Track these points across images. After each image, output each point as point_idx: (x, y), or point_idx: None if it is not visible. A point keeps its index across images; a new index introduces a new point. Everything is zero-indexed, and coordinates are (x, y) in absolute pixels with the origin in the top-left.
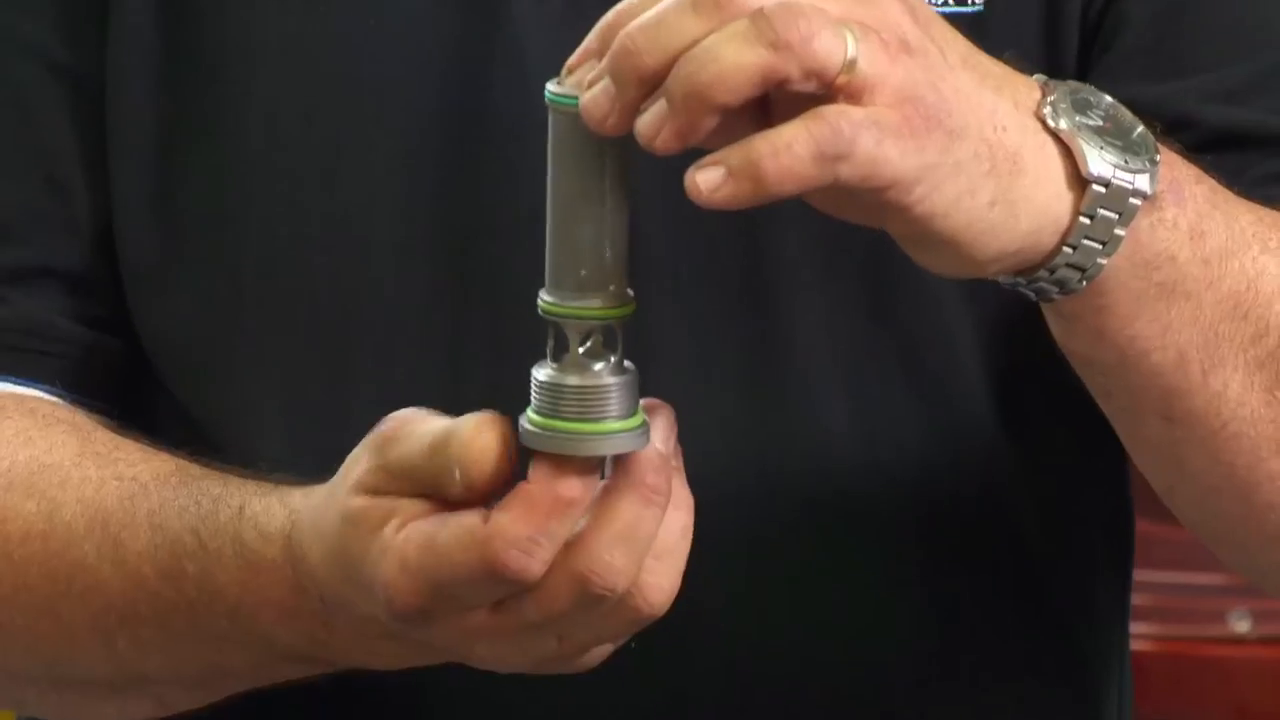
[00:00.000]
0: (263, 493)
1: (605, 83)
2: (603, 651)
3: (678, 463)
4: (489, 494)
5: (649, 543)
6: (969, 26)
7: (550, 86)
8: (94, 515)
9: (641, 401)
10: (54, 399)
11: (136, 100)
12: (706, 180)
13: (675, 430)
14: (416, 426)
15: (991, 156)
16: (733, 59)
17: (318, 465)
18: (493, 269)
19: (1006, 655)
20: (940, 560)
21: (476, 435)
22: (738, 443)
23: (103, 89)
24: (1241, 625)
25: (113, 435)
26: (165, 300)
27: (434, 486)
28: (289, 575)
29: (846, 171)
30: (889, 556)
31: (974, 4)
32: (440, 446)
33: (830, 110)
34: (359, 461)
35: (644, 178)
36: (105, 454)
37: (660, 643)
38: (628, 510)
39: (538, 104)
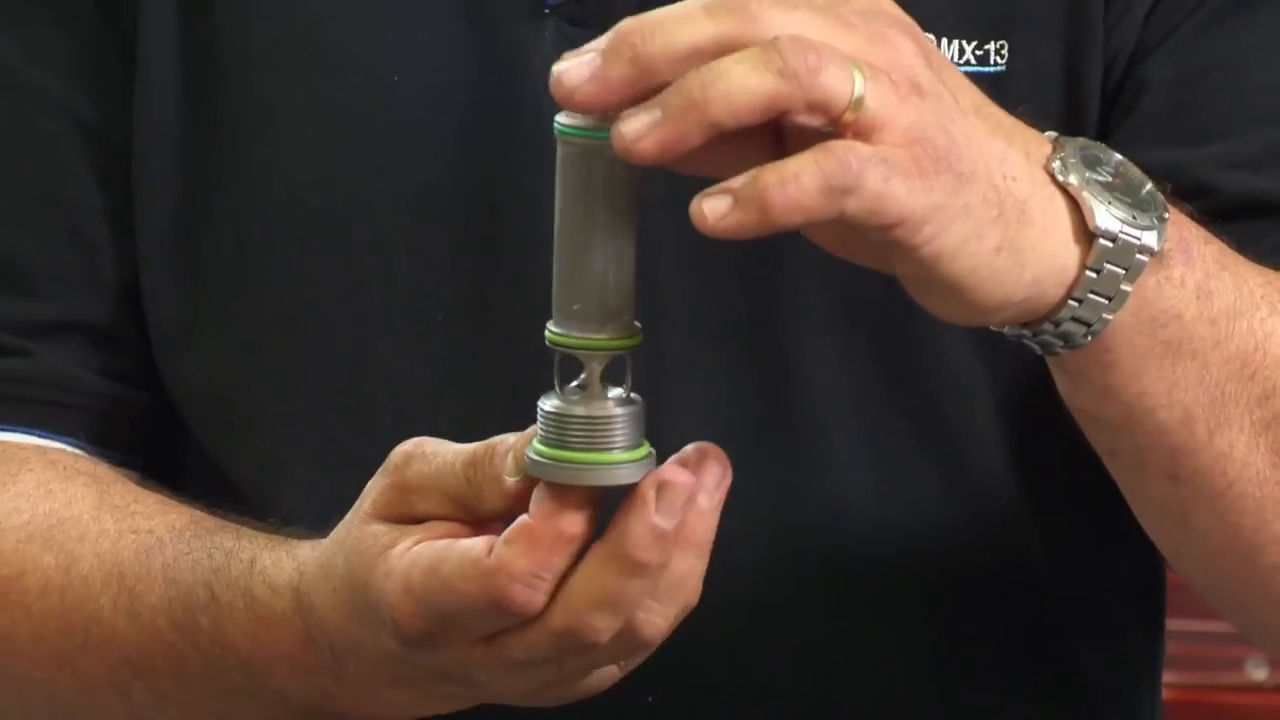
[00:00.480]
0: (273, 546)
1: (590, 56)
2: (609, 674)
3: (711, 501)
4: (526, 504)
5: (634, 605)
6: (990, 86)
7: (560, 117)
8: (110, 569)
9: (696, 446)
10: (77, 452)
11: (160, 160)
12: (713, 208)
13: (723, 477)
14: (437, 447)
15: (1000, 203)
16: (740, 80)
17: (340, 514)
18: (511, 321)
19: (1022, 700)
20: (958, 622)
21: (530, 436)
22: (751, 498)
23: (129, 148)
24: (1259, 673)
25: (131, 487)
26: (189, 355)
27: (465, 500)
28: (299, 628)
29: (853, 206)
30: (904, 617)
31: (996, 65)
32: (482, 459)
33: (838, 144)
34: (372, 488)
35: (662, 233)
36: (123, 507)
37: (675, 700)
38: (612, 580)
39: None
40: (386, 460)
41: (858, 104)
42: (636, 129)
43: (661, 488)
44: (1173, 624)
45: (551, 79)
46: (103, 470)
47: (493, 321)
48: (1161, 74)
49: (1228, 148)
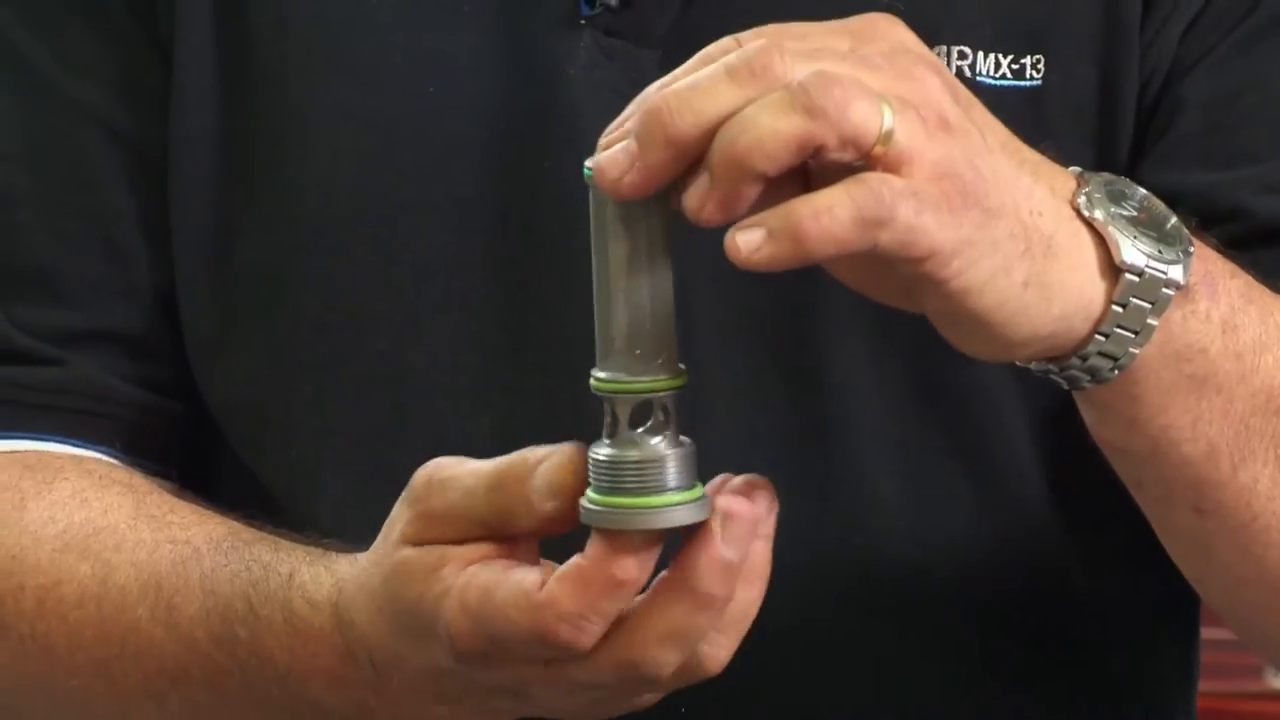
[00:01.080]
0: (311, 560)
1: (627, 142)
2: (656, 693)
3: (767, 530)
4: (560, 524)
5: (700, 639)
6: (1026, 100)
7: (589, 162)
8: (147, 579)
9: (745, 478)
10: (111, 461)
11: (196, 169)
12: (747, 241)
13: (772, 506)
14: (456, 471)
15: (1027, 238)
16: (769, 126)
17: (374, 525)
18: (546, 334)
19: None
20: (989, 634)
21: (562, 456)
22: (786, 511)
23: (164, 157)
24: (1278, 681)
25: (167, 497)
26: (224, 365)
27: (491, 524)
28: (338, 643)
29: (885, 238)
30: (936, 629)
31: (1032, 79)
32: (508, 480)
33: (872, 176)
34: (399, 518)
35: (693, 257)
36: (159, 517)
37: (706, 711)
38: (681, 615)
39: None
40: (408, 486)
41: (887, 138)
42: (699, 198)
43: (726, 520)
44: None
45: (594, 169)
46: (138, 479)
47: (526, 331)
48: (1197, 94)
49: (1263, 171)
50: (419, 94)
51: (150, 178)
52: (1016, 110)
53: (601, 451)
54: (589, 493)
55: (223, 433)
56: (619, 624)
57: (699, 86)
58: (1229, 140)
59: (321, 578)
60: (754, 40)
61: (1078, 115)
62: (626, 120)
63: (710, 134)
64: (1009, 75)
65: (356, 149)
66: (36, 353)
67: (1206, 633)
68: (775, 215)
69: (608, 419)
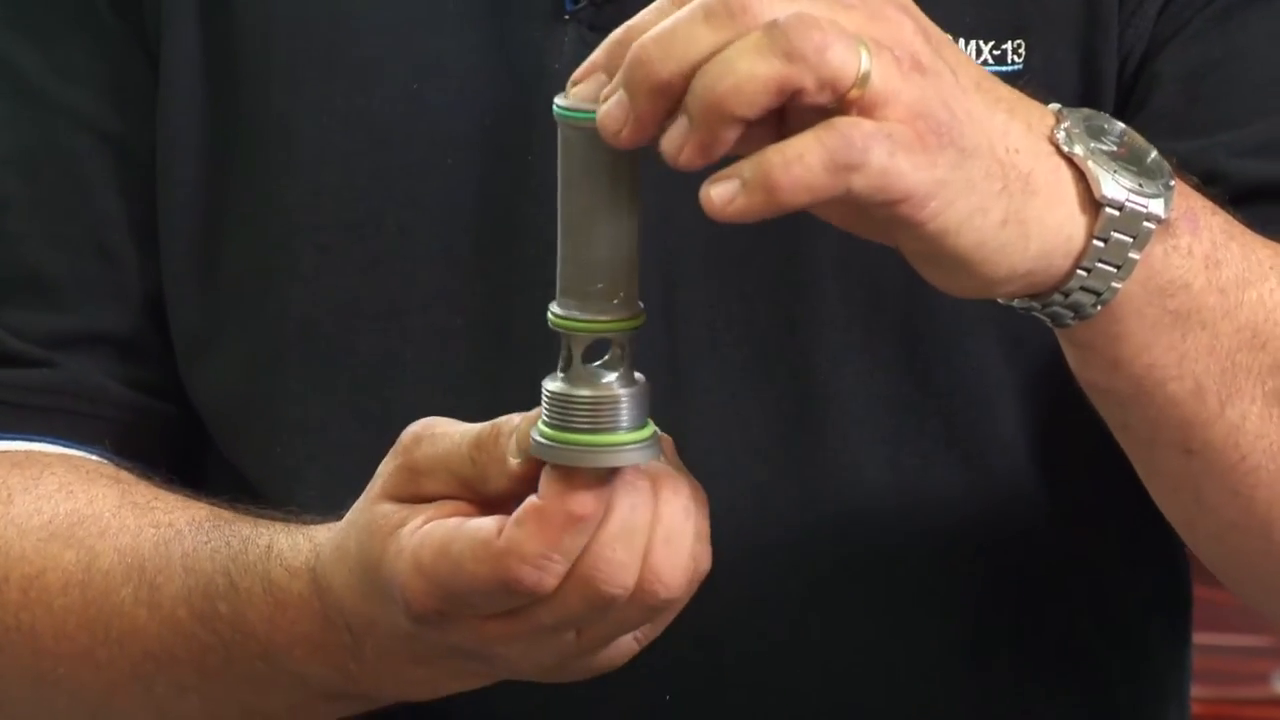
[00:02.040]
0: (290, 530)
1: (619, 94)
2: (627, 646)
3: (669, 453)
4: (531, 485)
5: (647, 531)
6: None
7: (558, 100)
8: (131, 562)
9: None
10: (100, 460)
11: (183, 170)
12: (720, 193)
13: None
14: (446, 428)
15: (1004, 176)
16: (747, 70)
17: None
18: (532, 336)
19: (1048, 716)
20: (980, 627)
21: (533, 414)
22: (774, 497)
23: (153, 160)
24: None
25: (153, 487)
26: (211, 365)
27: (471, 481)
28: (316, 608)
29: (859, 183)
30: (926, 619)
31: (1013, 64)
32: (487, 440)
33: (842, 121)
34: (381, 471)
35: (683, 240)
36: (143, 504)
37: (697, 695)
38: (616, 507)
39: None
40: (397, 441)
41: (864, 80)
42: (675, 142)
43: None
44: (1198, 638)
45: (599, 123)
46: (125, 473)
47: (513, 326)
48: (1173, 69)
49: (1238, 135)
50: (405, 92)
51: (140, 181)
52: None
53: (554, 385)
54: (540, 425)
55: (209, 433)
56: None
57: (676, 32)
58: (1205, 110)
59: (299, 544)
60: None
61: (1059, 98)
62: (595, 68)
63: (691, 77)
64: (990, 61)
65: (343, 148)
66: (27, 355)
67: (1210, 638)
68: (747, 165)
69: (563, 354)
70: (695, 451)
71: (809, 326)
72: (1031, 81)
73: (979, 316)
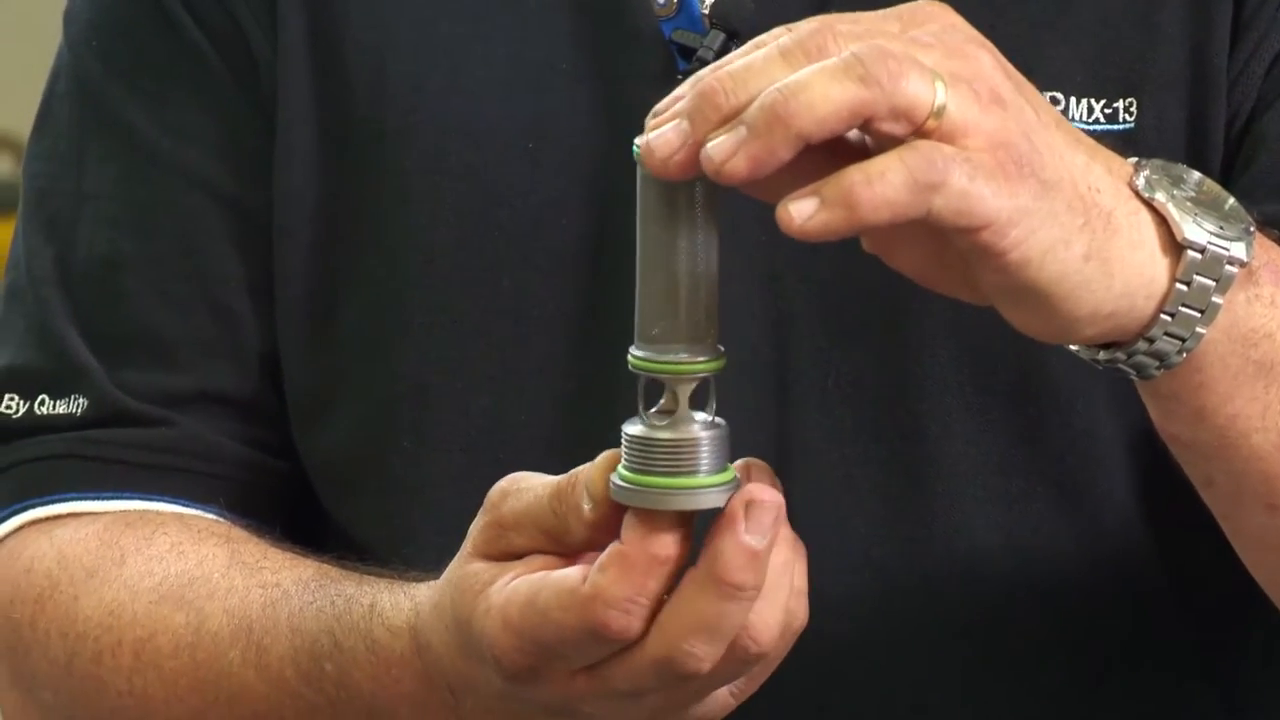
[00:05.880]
0: (393, 588)
1: (678, 121)
2: (722, 701)
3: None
4: (611, 531)
5: (733, 630)
6: (1120, 144)
7: (638, 140)
8: (239, 624)
9: (741, 462)
10: (214, 518)
11: (299, 231)
12: (799, 210)
13: (775, 483)
14: (530, 482)
15: (1086, 212)
16: (822, 90)
17: None
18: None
19: None
20: (1092, 680)
21: (604, 465)
22: (884, 559)
23: (268, 219)
24: None
25: (262, 545)
26: (324, 424)
27: (555, 532)
28: (418, 667)
29: (939, 204)
30: (1038, 675)
31: (1124, 122)
32: (565, 490)
33: (924, 143)
34: (473, 529)
35: (794, 302)
36: (252, 564)
37: None
38: (708, 606)
39: None
40: (486, 498)
41: (940, 112)
42: (725, 149)
43: (750, 506)
44: None
45: (643, 149)
46: (236, 531)
47: (621, 390)
48: (1276, 127)
49: None
50: (518, 152)
51: (255, 240)
52: None
53: (634, 429)
54: (621, 469)
55: (320, 494)
56: (653, 620)
57: (752, 66)
58: None
59: (401, 603)
60: (807, 25)
61: (1169, 157)
62: (677, 101)
63: None
64: (1102, 119)
65: (457, 207)
66: (144, 414)
67: None
68: (828, 183)
69: (643, 397)
70: (803, 512)
71: (919, 388)
72: (1143, 140)
73: (1089, 377)
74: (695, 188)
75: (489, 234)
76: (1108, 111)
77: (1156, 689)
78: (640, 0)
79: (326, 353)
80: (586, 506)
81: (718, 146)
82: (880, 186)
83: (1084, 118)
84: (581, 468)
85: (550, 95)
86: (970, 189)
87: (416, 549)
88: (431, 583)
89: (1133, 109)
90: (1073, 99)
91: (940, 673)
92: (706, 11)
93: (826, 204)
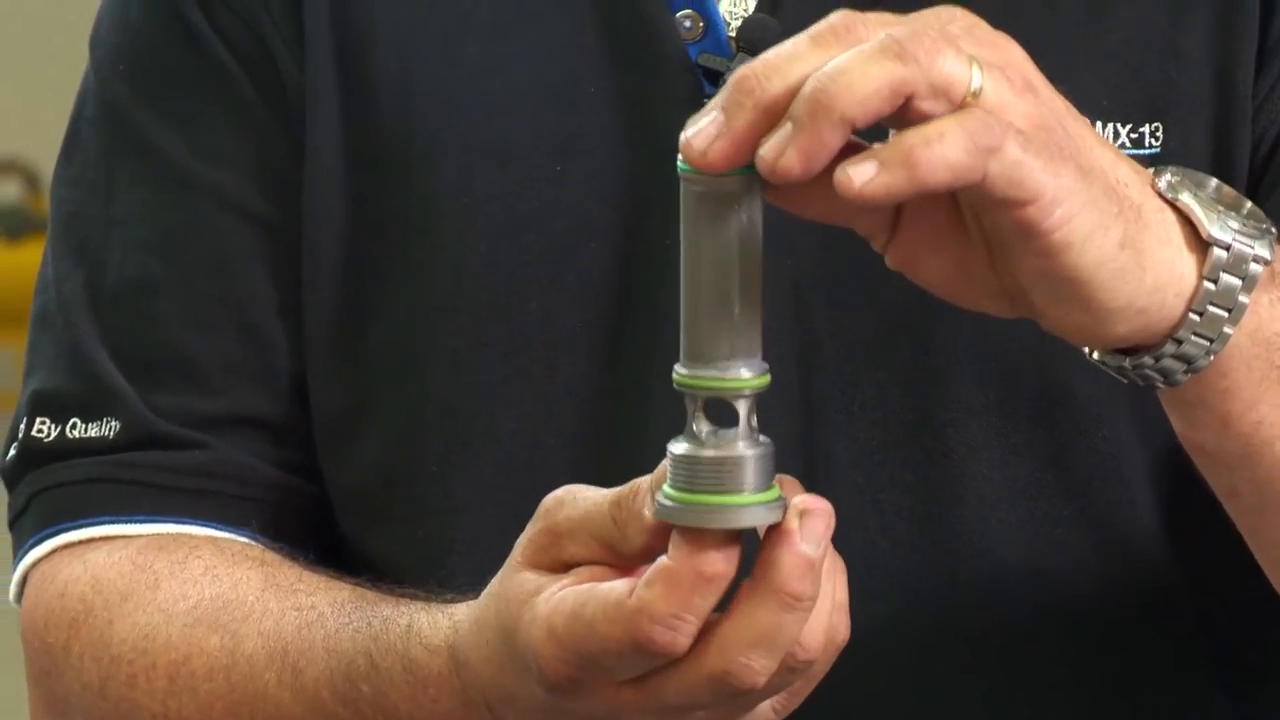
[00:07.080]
0: (430, 608)
1: (714, 114)
2: (764, 716)
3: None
4: (666, 544)
5: (790, 642)
6: (1147, 167)
7: (682, 146)
8: (274, 646)
9: (789, 478)
10: (247, 541)
11: (328, 252)
12: (859, 173)
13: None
14: (587, 492)
15: (1119, 200)
16: (861, 70)
17: None
18: (673, 411)
19: None
20: (1117, 698)
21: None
22: (910, 582)
23: (297, 241)
24: None
25: (297, 568)
26: (352, 446)
27: (612, 540)
28: (455, 686)
29: (995, 169)
30: (1064, 697)
31: (1150, 146)
32: (626, 498)
33: (977, 109)
34: (523, 537)
35: (818, 317)
36: (287, 586)
37: None
38: (767, 618)
39: None
40: (539, 506)
41: (976, 94)
42: (776, 148)
43: (803, 516)
44: None
45: (681, 145)
46: (270, 555)
47: (651, 414)
48: None
49: None
50: (547, 175)
51: (285, 262)
52: None
53: (679, 448)
54: (666, 488)
55: (339, 515)
56: (708, 634)
57: (785, 54)
58: None
59: (439, 622)
60: (834, 15)
61: None
62: (713, 106)
63: (792, 91)
64: (1128, 144)
65: (484, 229)
66: (176, 437)
67: None
68: (885, 147)
69: (689, 415)
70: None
71: (944, 411)
72: (1169, 164)
73: (1113, 399)
74: (740, 205)
75: (517, 256)
76: (1134, 136)
77: (1178, 709)
78: (667, 23)
79: (354, 373)
80: (648, 513)
81: (769, 147)
82: (940, 147)
83: (1110, 141)
84: (643, 478)
85: (577, 117)
86: (1024, 159)
87: (448, 573)
88: (471, 601)
89: (1159, 134)
90: (1099, 123)
91: (964, 693)
92: (733, 35)
93: (886, 166)
